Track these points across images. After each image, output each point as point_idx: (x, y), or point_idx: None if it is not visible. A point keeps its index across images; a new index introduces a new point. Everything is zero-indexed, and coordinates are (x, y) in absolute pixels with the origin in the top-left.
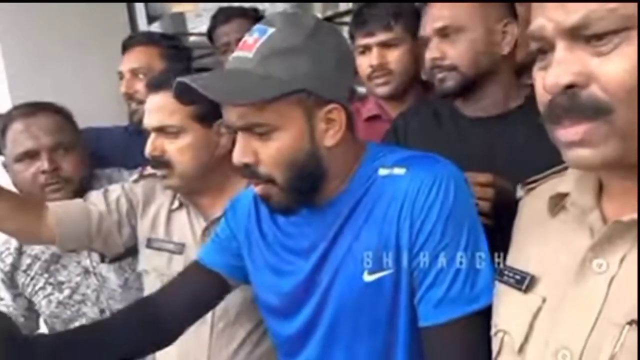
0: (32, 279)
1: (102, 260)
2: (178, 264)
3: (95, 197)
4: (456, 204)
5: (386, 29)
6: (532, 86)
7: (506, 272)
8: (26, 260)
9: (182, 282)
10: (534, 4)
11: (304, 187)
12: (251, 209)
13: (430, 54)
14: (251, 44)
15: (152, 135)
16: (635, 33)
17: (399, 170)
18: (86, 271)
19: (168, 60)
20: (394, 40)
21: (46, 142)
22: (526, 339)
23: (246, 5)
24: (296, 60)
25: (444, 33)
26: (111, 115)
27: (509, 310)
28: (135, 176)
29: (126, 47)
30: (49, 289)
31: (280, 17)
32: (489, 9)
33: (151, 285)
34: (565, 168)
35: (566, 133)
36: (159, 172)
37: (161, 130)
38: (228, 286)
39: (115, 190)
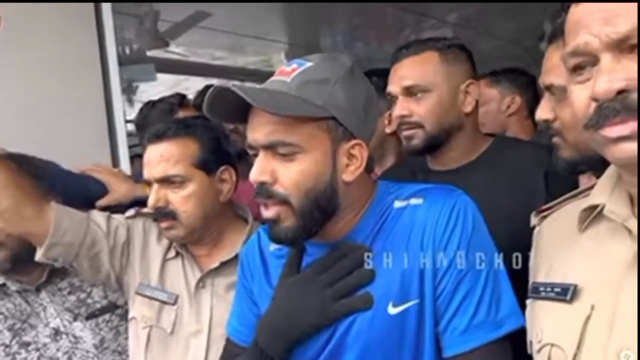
0: None
1: (75, 318)
2: (169, 315)
3: (98, 216)
4: (475, 229)
5: None
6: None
7: (542, 288)
8: None
9: None
10: (573, 26)
11: (316, 217)
12: (259, 260)
13: (397, 111)
14: (289, 72)
15: (155, 187)
16: None
17: (415, 201)
18: (56, 332)
19: None
20: None
21: None
22: (579, 347)
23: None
24: (331, 90)
25: (410, 92)
26: None
27: (554, 323)
28: (131, 212)
29: None
30: (15, 347)
31: (318, 55)
32: (454, 70)
33: (137, 334)
34: (580, 193)
35: (614, 130)
36: (163, 224)
37: (165, 180)
38: None
39: (118, 219)
